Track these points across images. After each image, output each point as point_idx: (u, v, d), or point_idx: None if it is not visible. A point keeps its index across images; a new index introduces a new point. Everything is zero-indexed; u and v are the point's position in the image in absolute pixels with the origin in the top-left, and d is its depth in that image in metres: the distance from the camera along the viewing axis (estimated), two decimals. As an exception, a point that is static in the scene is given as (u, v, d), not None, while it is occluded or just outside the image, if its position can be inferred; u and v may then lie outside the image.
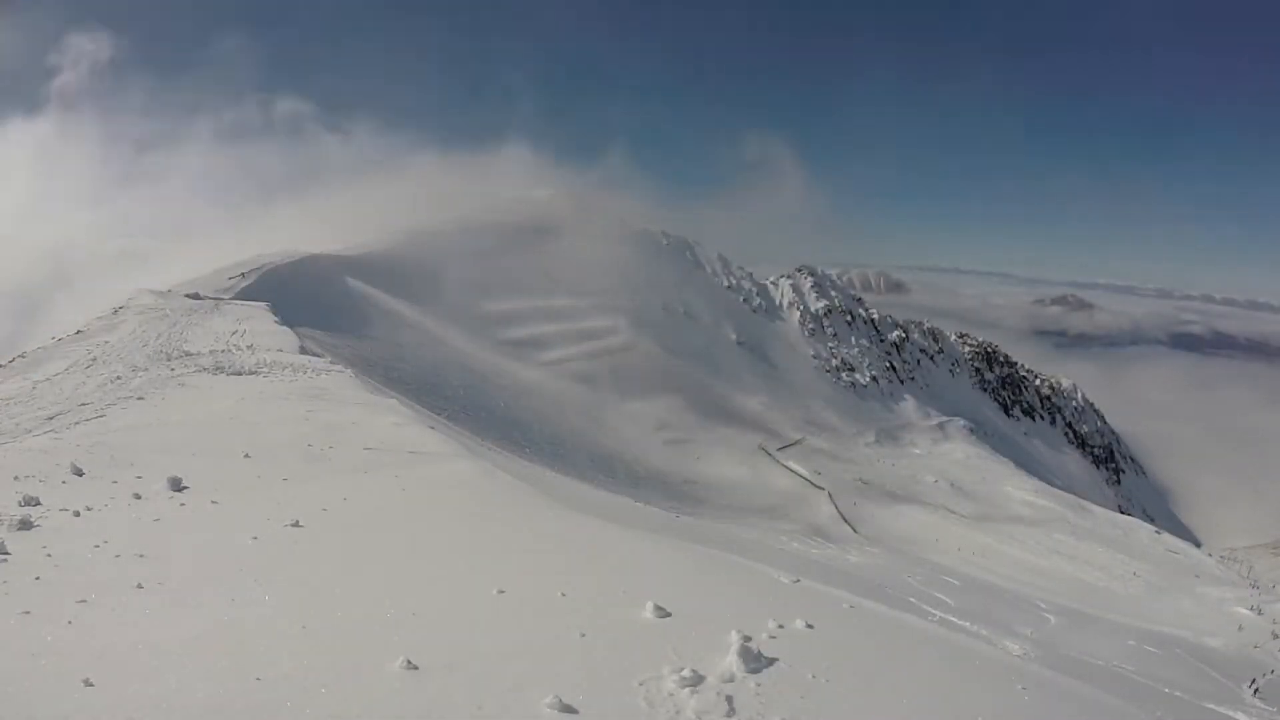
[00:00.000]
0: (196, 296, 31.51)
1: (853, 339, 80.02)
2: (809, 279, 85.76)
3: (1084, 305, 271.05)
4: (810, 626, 5.36)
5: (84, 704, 3.48)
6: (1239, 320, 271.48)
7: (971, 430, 68.81)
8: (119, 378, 16.16)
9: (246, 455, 10.11)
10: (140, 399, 13.93)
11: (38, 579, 5.11)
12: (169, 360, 18.49)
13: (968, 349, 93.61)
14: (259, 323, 26.57)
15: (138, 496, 7.77)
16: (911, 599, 17.31)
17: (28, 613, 4.50)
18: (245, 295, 34.51)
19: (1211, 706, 13.31)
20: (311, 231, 54.84)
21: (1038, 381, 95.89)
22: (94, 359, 18.57)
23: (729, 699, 4.02)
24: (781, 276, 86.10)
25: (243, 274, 39.08)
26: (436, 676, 4.03)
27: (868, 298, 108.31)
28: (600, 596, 5.63)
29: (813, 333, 78.67)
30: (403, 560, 6.33)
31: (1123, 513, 56.17)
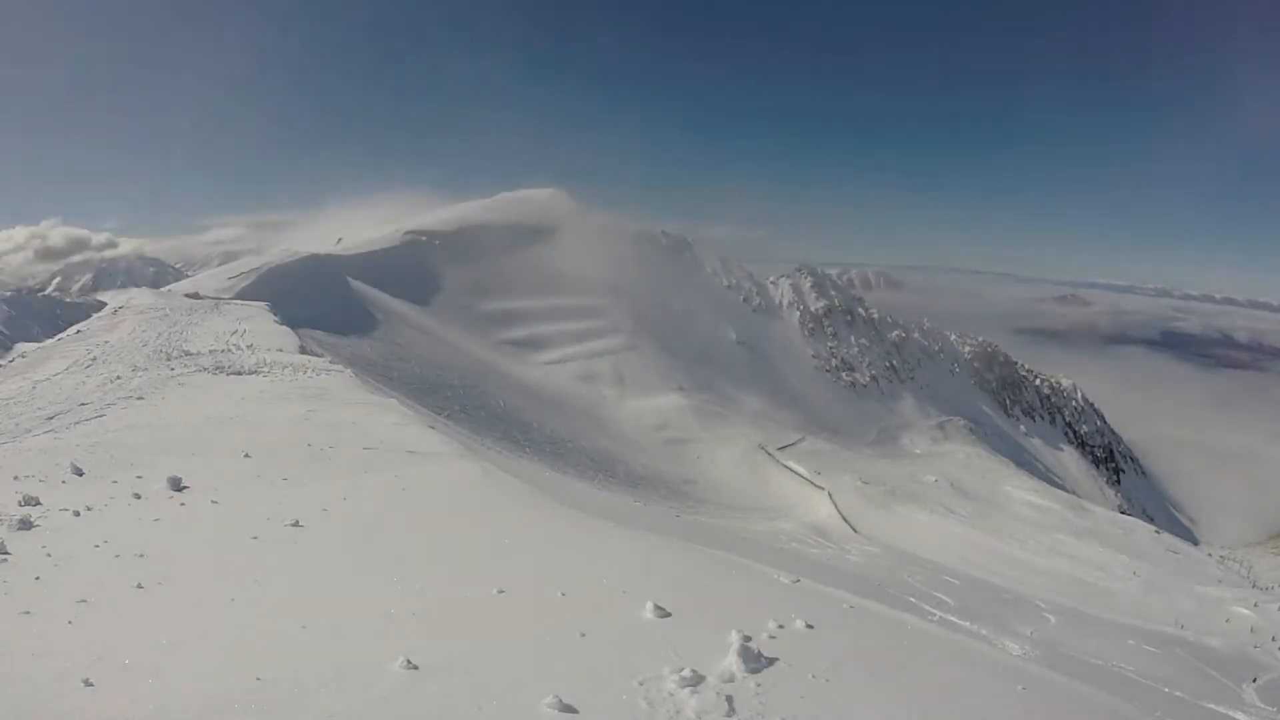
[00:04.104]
0: (196, 296, 31.56)
1: (853, 339, 79.99)
2: (809, 279, 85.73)
3: (1084, 304, 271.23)
4: (810, 626, 5.35)
5: (84, 704, 3.48)
6: (1239, 320, 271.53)
7: (971, 430, 68.84)
8: (119, 378, 16.16)
9: (246, 455, 10.11)
10: (140, 399, 13.94)
11: (38, 579, 5.11)
12: (169, 360, 18.49)
13: (968, 349, 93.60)
14: (259, 322, 26.58)
15: (138, 496, 7.77)
16: (911, 599, 17.35)
17: (28, 613, 4.49)
18: (245, 295, 34.51)
19: (1211, 706, 13.34)
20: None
21: (1038, 381, 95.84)
22: (94, 359, 18.58)
23: (729, 699, 4.02)
24: (781, 276, 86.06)
25: (242, 273, 39.11)
26: (436, 676, 4.02)
27: (868, 298, 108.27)
28: (600, 596, 5.63)
29: (813, 333, 78.66)
30: (402, 560, 6.32)
31: (1123, 513, 56.17)
